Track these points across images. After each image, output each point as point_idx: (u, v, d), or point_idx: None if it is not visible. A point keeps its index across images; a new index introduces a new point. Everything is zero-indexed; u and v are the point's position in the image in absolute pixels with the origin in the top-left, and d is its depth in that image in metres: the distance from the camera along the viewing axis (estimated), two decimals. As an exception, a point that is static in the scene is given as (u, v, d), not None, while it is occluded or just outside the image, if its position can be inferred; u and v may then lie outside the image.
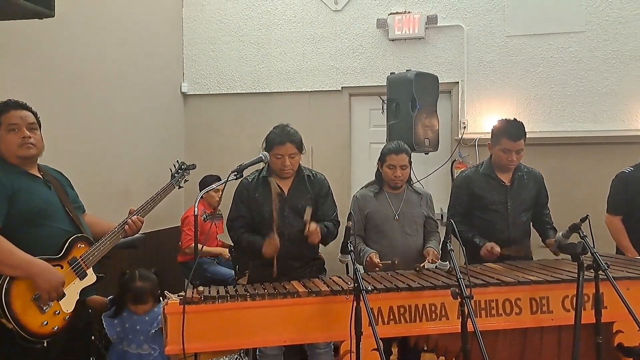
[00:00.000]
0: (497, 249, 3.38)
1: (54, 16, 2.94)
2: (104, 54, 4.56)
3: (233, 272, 4.90)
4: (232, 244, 4.63)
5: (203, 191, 3.22)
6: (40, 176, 2.65)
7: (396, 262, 3.15)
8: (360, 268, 3.28)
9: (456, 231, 2.72)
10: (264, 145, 3.26)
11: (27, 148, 2.54)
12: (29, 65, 3.72)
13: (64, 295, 2.48)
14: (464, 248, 2.83)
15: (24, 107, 2.60)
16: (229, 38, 5.91)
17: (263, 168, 3.34)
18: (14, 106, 2.56)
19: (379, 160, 3.57)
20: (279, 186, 3.25)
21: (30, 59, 3.73)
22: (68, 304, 2.51)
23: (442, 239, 3.28)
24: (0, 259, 2.35)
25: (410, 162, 3.51)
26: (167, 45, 5.69)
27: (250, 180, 3.31)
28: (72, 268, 2.55)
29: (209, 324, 2.59)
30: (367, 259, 3.25)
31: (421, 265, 3.16)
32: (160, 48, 5.53)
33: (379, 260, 3.22)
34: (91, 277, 2.64)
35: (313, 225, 3.08)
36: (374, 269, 3.21)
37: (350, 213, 3.08)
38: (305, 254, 3.27)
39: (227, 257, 4.97)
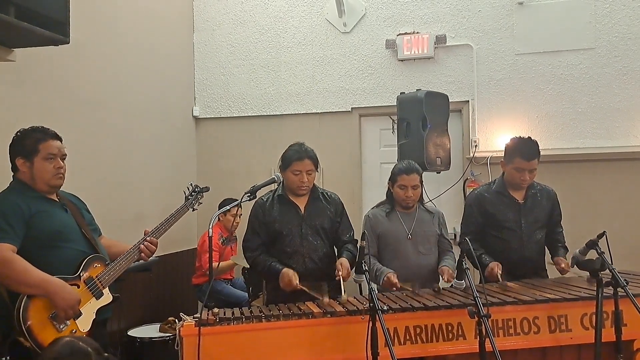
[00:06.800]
0: (497, 270, 3.24)
1: (69, 43, 2.97)
2: (117, 80, 4.62)
3: (247, 294, 4.88)
4: (246, 265, 4.66)
5: (217, 213, 3.23)
6: (57, 200, 2.71)
7: (416, 289, 3.08)
8: (375, 287, 3.25)
9: (471, 250, 2.70)
10: (280, 163, 3.31)
11: (59, 178, 2.67)
12: (45, 91, 3.77)
13: (80, 314, 2.51)
14: (479, 266, 2.81)
15: (59, 137, 2.71)
16: (239, 62, 5.98)
17: (277, 188, 3.36)
18: (52, 136, 2.68)
19: (389, 180, 3.55)
20: (296, 204, 3.28)
21: (45, 85, 3.78)
22: (84, 324, 2.53)
23: (455, 258, 3.28)
24: (17, 278, 2.39)
25: (421, 182, 3.49)
26: (178, 70, 5.76)
27: (265, 200, 3.34)
28: (88, 287, 2.58)
29: (224, 346, 2.58)
30: (385, 278, 3.21)
31: (438, 284, 3.14)
32: (172, 73, 5.60)
33: (397, 280, 3.18)
34: (107, 297, 2.67)
35: (344, 271, 3.06)
36: (391, 289, 3.18)
37: (363, 233, 3.08)
38: (324, 272, 3.27)
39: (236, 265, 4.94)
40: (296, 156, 3.24)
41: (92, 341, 2.19)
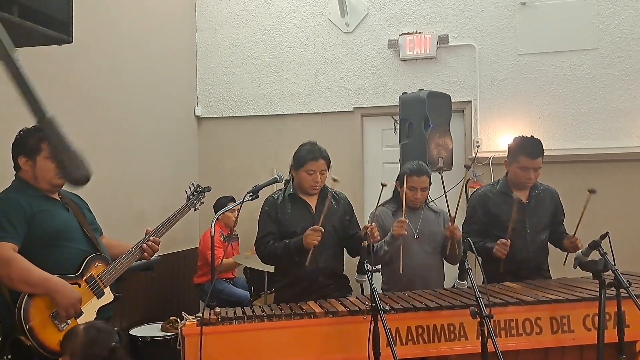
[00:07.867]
0: (506, 242, 3.27)
1: (72, 42, 2.97)
2: (119, 79, 4.62)
3: (248, 293, 4.88)
4: (246, 264, 4.66)
5: (220, 212, 3.23)
6: (59, 199, 2.70)
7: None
8: (378, 288, 3.25)
9: (474, 249, 2.70)
10: (293, 162, 3.29)
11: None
12: (47, 91, 3.72)
13: (81, 313, 2.50)
14: (480, 262, 2.80)
15: None
16: (242, 61, 5.97)
17: (287, 187, 3.35)
18: None
19: (397, 179, 3.54)
20: (307, 202, 3.28)
21: (47, 85, 3.78)
22: None
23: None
24: (19, 276, 2.39)
25: (430, 184, 3.49)
26: (181, 69, 5.76)
27: (276, 197, 3.32)
28: (90, 286, 2.58)
29: (226, 345, 2.58)
30: (394, 226, 3.19)
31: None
32: (174, 72, 5.60)
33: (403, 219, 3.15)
34: (108, 296, 2.67)
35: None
36: (403, 231, 3.15)
37: (366, 233, 3.07)
38: (335, 271, 3.27)
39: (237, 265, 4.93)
40: (310, 156, 3.22)
41: (98, 321, 2.25)
